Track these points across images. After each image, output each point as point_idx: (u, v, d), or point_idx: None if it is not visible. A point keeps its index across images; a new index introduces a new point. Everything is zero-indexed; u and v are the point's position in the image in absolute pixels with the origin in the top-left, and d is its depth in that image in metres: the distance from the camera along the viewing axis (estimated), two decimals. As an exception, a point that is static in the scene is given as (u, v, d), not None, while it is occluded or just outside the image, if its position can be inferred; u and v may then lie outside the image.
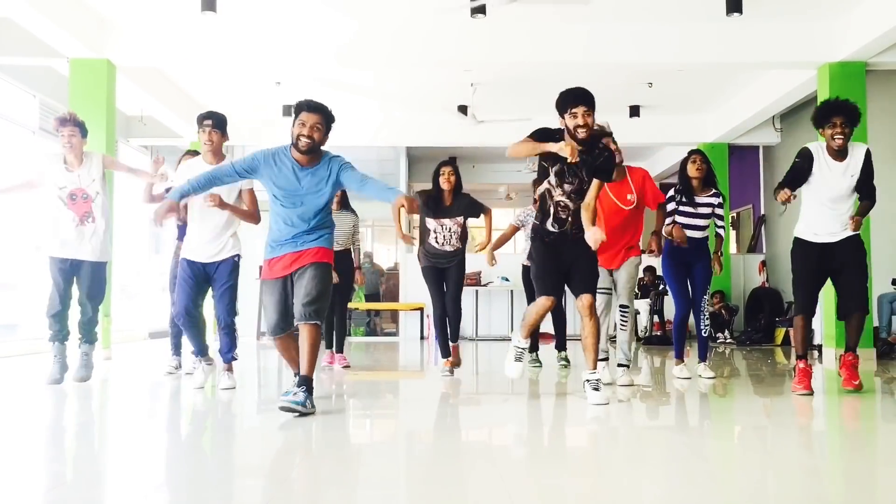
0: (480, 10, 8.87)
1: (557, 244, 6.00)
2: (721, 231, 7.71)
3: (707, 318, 7.58)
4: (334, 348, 9.00)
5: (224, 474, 3.82)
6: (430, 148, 16.08)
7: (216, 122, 6.57)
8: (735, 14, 8.82)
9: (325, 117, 5.76)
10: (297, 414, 5.17)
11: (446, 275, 7.95)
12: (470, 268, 14.38)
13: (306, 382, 5.29)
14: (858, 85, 9.85)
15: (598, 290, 6.57)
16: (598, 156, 5.90)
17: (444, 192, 7.79)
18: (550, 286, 5.95)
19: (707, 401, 6.49)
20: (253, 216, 6.61)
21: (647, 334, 13.55)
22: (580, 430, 5.28)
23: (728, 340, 13.34)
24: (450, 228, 7.84)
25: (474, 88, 12.47)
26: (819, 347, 10.60)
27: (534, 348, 9.00)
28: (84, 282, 7.01)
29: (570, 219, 5.95)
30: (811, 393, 6.41)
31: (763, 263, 14.94)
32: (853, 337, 6.56)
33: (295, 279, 5.49)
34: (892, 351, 10.13)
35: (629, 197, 6.96)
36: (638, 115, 13.76)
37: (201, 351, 6.76)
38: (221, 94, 13.26)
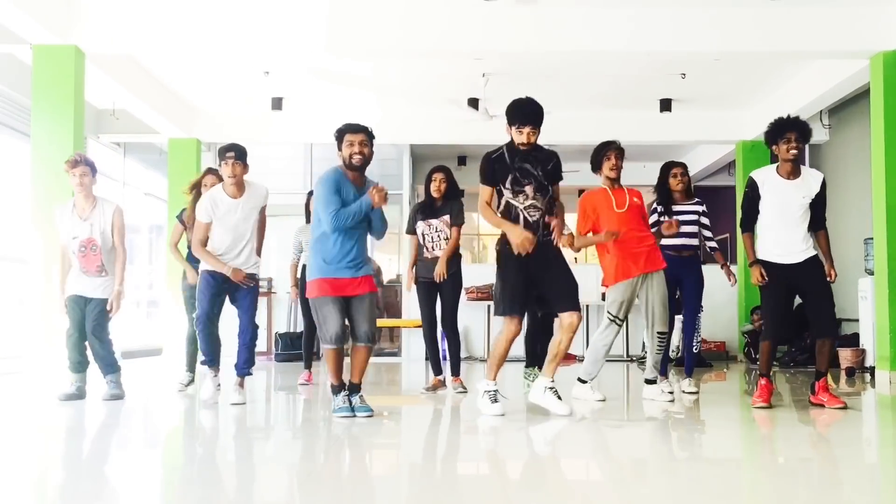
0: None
1: (531, 260, 6.52)
2: (712, 244, 8.49)
3: (699, 336, 8.47)
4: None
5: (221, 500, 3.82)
6: (436, 146, 16.08)
7: (238, 154, 7.34)
8: (778, -3, 8.82)
9: (368, 136, 6.58)
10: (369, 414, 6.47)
11: (441, 291, 8.57)
12: (482, 280, 14.50)
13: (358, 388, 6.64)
14: (916, 76, 9.84)
15: (617, 320, 7.65)
16: (548, 161, 6.73)
17: (434, 199, 8.62)
18: (518, 304, 6.61)
19: (742, 429, 6.47)
20: (262, 238, 7.74)
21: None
22: (587, 460, 5.28)
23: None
24: (437, 228, 8.53)
25: (486, 79, 12.45)
26: (872, 370, 10.57)
27: (533, 363, 8.93)
28: (94, 316, 7.75)
29: (540, 220, 6.62)
30: (769, 406, 7.11)
31: (809, 276, 14.91)
32: (824, 362, 7.24)
33: (356, 303, 6.55)
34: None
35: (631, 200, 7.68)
36: (669, 110, 13.71)
37: (214, 360, 7.58)
38: (203, 85, 13.25)
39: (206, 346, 7.55)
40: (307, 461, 5.23)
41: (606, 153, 7.60)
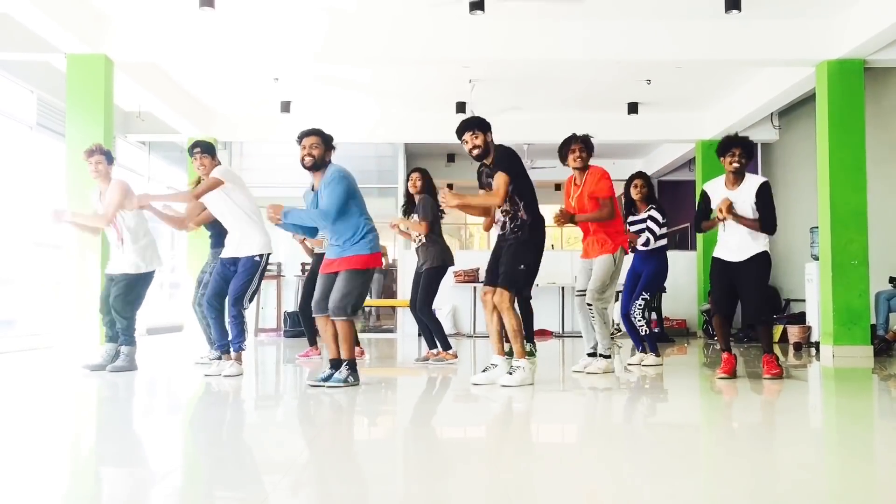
0: (479, 6, 8.86)
1: (499, 243, 6.94)
2: (661, 241, 8.63)
3: (640, 316, 8.57)
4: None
5: (223, 469, 3.82)
6: (428, 145, 16.08)
7: (204, 148, 7.51)
8: (734, 11, 8.82)
9: (320, 137, 6.71)
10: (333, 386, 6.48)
11: (420, 278, 8.84)
12: (469, 265, 14.55)
13: (339, 363, 6.64)
14: (856, 82, 9.85)
15: (577, 293, 7.95)
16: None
17: (412, 195, 8.94)
18: (488, 279, 6.92)
19: (707, 399, 6.50)
20: (181, 196, 7.90)
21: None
22: (571, 426, 5.30)
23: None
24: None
25: (473, 85, 12.47)
26: (817, 344, 10.61)
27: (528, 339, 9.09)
28: (115, 291, 7.81)
29: (508, 221, 6.80)
30: (731, 376, 7.23)
31: (761, 261, 14.93)
32: (766, 342, 7.45)
33: (334, 279, 6.61)
34: (889, 348, 10.14)
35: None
36: (636, 112, 13.74)
37: (223, 344, 7.51)
38: (219, 90, 13.24)
39: (214, 328, 7.51)
40: (308, 425, 5.24)
41: (571, 146, 7.60)
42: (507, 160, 6.69)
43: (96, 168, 7.75)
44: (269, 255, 7.48)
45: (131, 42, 9.91)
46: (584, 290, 7.75)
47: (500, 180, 6.59)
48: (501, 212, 6.78)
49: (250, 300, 7.45)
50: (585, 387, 6.91)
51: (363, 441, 4.83)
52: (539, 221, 6.84)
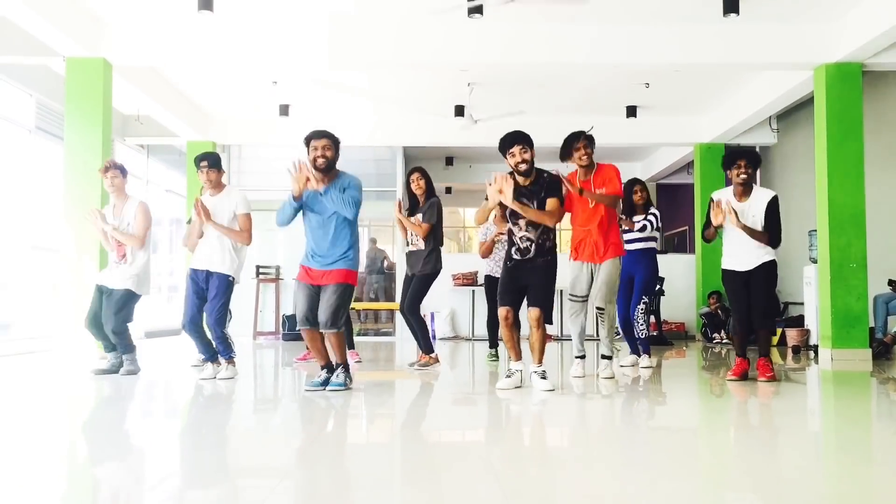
0: (477, 10, 8.85)
1: (518, 268, 6.82)
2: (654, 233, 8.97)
3: (640, 320, 8.77)
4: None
5: (220, 473, 3.83)
6: (426, 148, 16.07)
7: (211, 163, 7.52)
8: (732, 15, 8.82)
9: (332, 140, 6.67)
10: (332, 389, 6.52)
11: (412, 281, 8.74)
12: (466, 268, 14.55)
13: (334, 366, 6.69)
14: (854, 86, 9.86)
15: (572, 298, 7.62)
16: (545, 183, 6.74)
17: (416, 196, 8.73)
18: (508, 300, 6.81)
19: (700, 400, 6.51)
20: (241, 236, 7.52)
21: (645, 335, 13.58)
22: (566, 429, 5.30)
23: (724, 341, 13.32)
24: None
25: (471, 89, 12.47)
26: (815, 347, 10.62)
27: (494, 344, 9.72)
28: (111, 306, 7.77)
29: (532, 247, 6.77)
30: (740, 379, 7.37)
31: (759, 264, 14.92)
32: (765, 346, 7.52)
33: (321, 293, 6.54)
34: (887, 351, 10.14)
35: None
36: (635, 116, 13.76)
37: (212, 356, 7.59)
38: (218, 93, 13.24)
39: (201, 346, 7.56)
40: (306, 427, 5.25)
41: (575, 144, 7.41)
42: (561, 189, 6.79)
43: (112, 182, 7.87)
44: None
45: (130, 46, 9.91)
46: (585, 296, 7.54)
47: (556, 206, 6.70)
48: (525, 241, 6.77)
49: (228, 320, 7.75)
50: (585, 390, 6.90)
51: (360, 445, 4.84)
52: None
